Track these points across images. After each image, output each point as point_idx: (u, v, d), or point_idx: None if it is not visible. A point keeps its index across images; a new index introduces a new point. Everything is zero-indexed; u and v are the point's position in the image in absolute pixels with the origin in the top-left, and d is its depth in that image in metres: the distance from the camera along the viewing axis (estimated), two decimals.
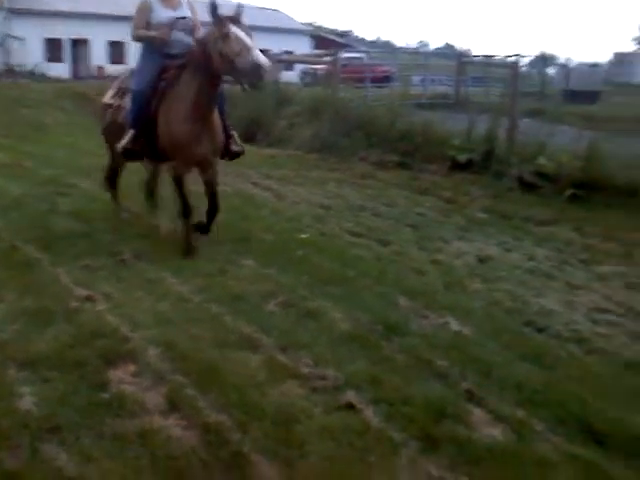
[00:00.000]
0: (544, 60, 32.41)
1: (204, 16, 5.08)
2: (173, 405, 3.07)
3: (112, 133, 5.76)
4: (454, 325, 4.16)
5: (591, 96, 23.19)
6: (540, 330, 4.24)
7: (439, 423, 3.01)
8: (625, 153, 8.28)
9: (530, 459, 2.80)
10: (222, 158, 5.52)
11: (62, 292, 4.36)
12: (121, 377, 3.30)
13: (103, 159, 6.40)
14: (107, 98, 5.92)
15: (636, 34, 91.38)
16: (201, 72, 4.87)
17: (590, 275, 5.40)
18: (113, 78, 6.62)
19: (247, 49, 4.51)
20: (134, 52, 5.66)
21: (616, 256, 5.93)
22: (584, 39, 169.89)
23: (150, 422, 2.93)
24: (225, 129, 5.40)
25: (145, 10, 5.34)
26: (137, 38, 5.42)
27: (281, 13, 38.83)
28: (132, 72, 5.69)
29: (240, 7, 4.75)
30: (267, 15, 35.29)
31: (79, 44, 30.78)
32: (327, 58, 16.53)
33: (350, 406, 3.11)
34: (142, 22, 5.33)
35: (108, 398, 3.11)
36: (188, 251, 5.22)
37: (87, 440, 2.79)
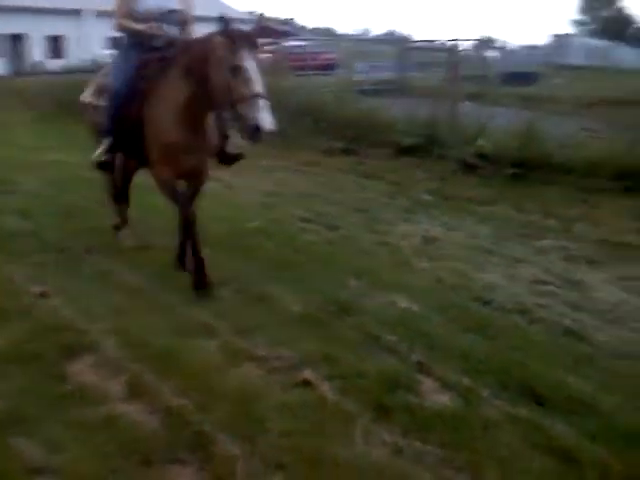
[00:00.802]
0: (483, 43, 32.98)
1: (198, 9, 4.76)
2: (134, 392, 3.16)
3: (95, 138, 5.13)
4: (402, 302, 4.33)
5: (530, 78, 23.76)
6: (484, 303, 4.44)
7: (391, 393, 3.17)
8: (562, 132, 8.60)
9: (477, 422, 2.97)
10: (219, 163, 4.88)
11: (16, 290, 4.39)
12: (81, 368, 3.38)
13: (45, 154, 6.30)
14: (86, 96, 5.27)
15: (573, 16, 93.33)
16: (195, 81, 4.18)
17: (530, 250, 5.64)
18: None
19: (255, 102, 3.82)
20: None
21: (554, 231, 6.19)
22: (523, 22, 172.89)
23: (113, 409, 3.02)
24: (220, 129, 4.69)
25: None
26: (121, 28, 4.77)
27: (220, 2, 38.50)
28: (111, 67, 5.03)
29: (262, 22, 4.45)
30: (205, 4, 34.90)
31: (17, 39, 30.07)
32: (270, 47, 16.62)
33: (307, 383, 3.25)
34: (126, 10, 4.72)
35: (70, 389, 3.18)
36: (200, 281, 4.35)
37: (53, 430, 2.86)
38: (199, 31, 4.70)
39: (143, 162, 4.70)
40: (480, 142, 8.62)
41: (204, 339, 3.71)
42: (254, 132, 3.83)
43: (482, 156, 8.45)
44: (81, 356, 3.48)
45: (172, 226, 4.74)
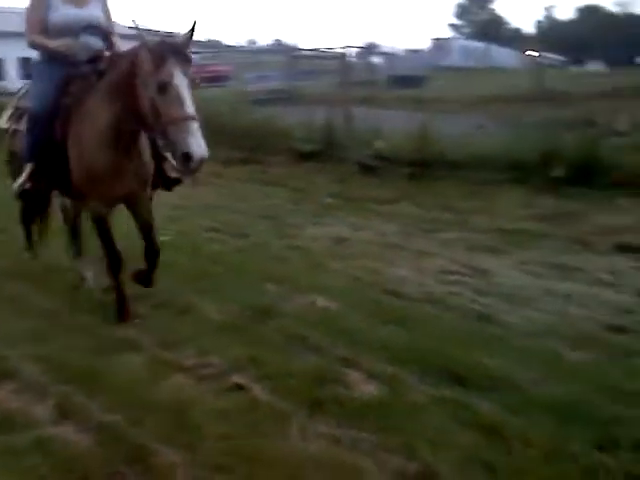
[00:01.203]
0: (369, 49, 33.84)
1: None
2: (63, 413, 3.10)
3: (12, 167, 4.64)
4: (320, 302, 4.45)
5: (416, 80, 24.63)
6: (398, 296, 4.62)
7: (321, 388, 3.26)
8: (452, 131, 9.01)
9: (405, 406, 3.12)
10: (157, 188, 4.40)
11: None
12: (4, 395, 3.28)
13: None
14: (2, 121, 4.73)
15: (451, 20, 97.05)
16: (122, 100, 3.73)
17: (435, 243, 5.91)
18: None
19: (185, 125, 3.39)
20: None
21: (454, 224, 6.50)
22: (404, 27, 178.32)
23: (43, 432, 2.95)
24: (155, 151, 4.18)
25: (41, 6, 4.15)
26: (33, 45, 4.23)
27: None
28: (30, 85, 4.53)
29: (192, 31, 3.58)
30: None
31: None
32: None
33: (239, 387, 3.30)
34: (38, 22, 4.15)
35: None
36: (121, 316, 4.16)
37: None
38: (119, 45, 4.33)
39: (68, 190, 4.26)
40: (377, 144, 8.90)
41: (129, 355, 3.68)
42: (184, 160, 3.40)
43: (380, 157, 8.73)
44: (3, 383, 3.38)
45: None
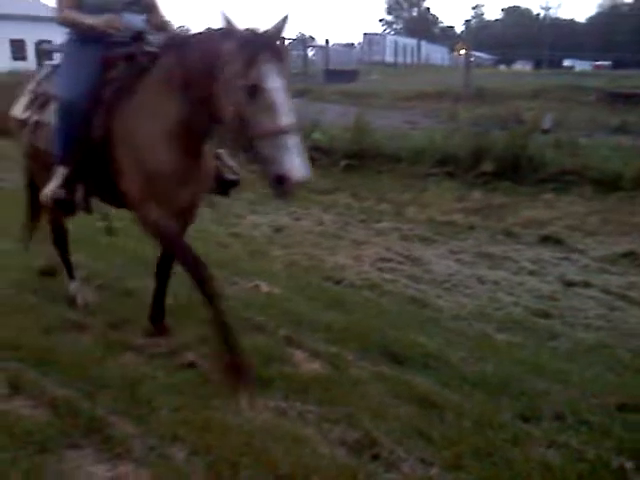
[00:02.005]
0: (304, 42, 33.97)
1: None
2: (16, 389, 3.17)
3: (35, 164, 3.97)
4: (263, 287, 4.61)
5: (349, 75, 24.92)
6: (337, 282, 4.84)
7: (267, 366, 3.43)
8: (387, 125, 9.31)
9: (347, 382, 3.31)
10: (213, 192, 3.78)
11: None
12: None
13: None
14: (18, 110, 3.93)
15: (383, 16, 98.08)
16: (193, 99, 3.09)
17: (371, 232, 6.16)
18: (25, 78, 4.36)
19: (281, 140, 2.74)
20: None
21: (389, 214, 6.77)
22: (337, 21, 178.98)
23: None
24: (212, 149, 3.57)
25: None
26: (64, 22, 3.58)
27: (36, 1, 36.47)
28: (54, 69, 3.85)
29: (284, 22, 2.93)
30: (20, 3, 33.00)
31: None
32: None
33: (191, 365, 3.43)
34: None
35: None
36: (241, 378, 3.20)
37: None
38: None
39: (112, 198, 3.58)
40: (315, 136, 9.09)
41: (79, 335, 3.76)
42: (279, 183, 2.77)
43: (318, 149, 8.92)
44: None
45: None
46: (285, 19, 2.94)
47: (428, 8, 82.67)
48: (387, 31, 75.32)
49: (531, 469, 2.67)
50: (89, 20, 3.49)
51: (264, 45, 2.84)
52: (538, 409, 3.14)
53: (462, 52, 15.94)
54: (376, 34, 53.05)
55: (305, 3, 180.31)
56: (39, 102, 3.81)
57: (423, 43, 57.02)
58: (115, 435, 2.82)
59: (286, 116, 2.78)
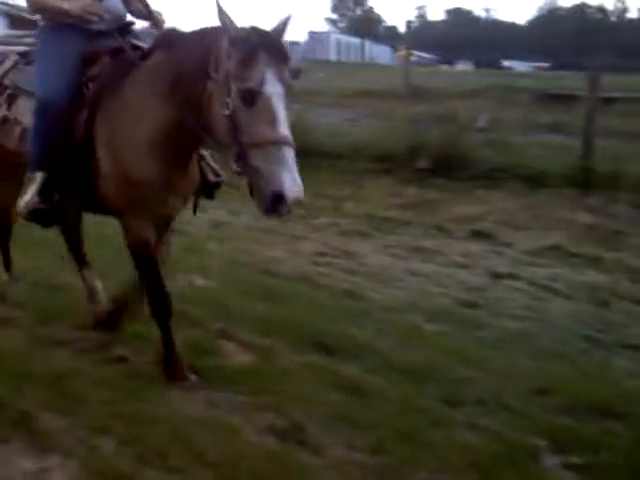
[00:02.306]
0: None
1: None
2: None
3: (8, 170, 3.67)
4: (200, 281, 4.64)
5: (293, 72, 24.94)
6: (273, 276, 4.90)
7: (200, 358, 3.47)
8: (329, 122, 9.42)
9: (277, 372, 3.38)
10: (198, 196, 3.50)
11: None
12: None
13: None
14: None
15: (328, 15, 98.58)
16: (182, 100, 2.85)
17: (309, 227, 6.25)
18: None
19: (277, 151, 2.51)
20: None
21: (328, 210, 6.87)
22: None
23: None
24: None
25: None
26: (36, 6, 3.31)
27: None
28: (22, 58, 3.49)
29: (287, 21, 2.76)
30: None
31: None
32: (29, 39, 15.77)
33: (119, 358, 3.44)
34: None
35: None
36: (173, 376, 3.23)
37: None
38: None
39: (91, 205, 3.31)
40: None
41: (4, 330, 3.71)
42: (273, 201, 2.51)
43: None
44: None
45: None
46: (288, 18, 2.73)
47: (372, 7, 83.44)
48: (332, 30, 75.68)
49: (451, 451, 2.79)
50: (65, 5, 3.18)
51: (264, 45, 2.57)
52: (461, 394, 3.27)
53: (403, 52, 16.17)
54: (320, 33, 53.31)
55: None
56: (6, 96, 3.44)
57: (367, 42, 57.57)
58: (43, 428, 2.82)
59: (284, 127, 2.53)
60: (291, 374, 3.37)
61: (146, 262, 3.17)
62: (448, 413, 3.11)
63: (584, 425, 3.05)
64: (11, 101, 3.43)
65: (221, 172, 3.56)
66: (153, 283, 3.20)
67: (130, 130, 2.97)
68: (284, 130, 2.53)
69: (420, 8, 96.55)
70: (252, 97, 2.54)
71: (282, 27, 2.73)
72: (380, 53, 57.26)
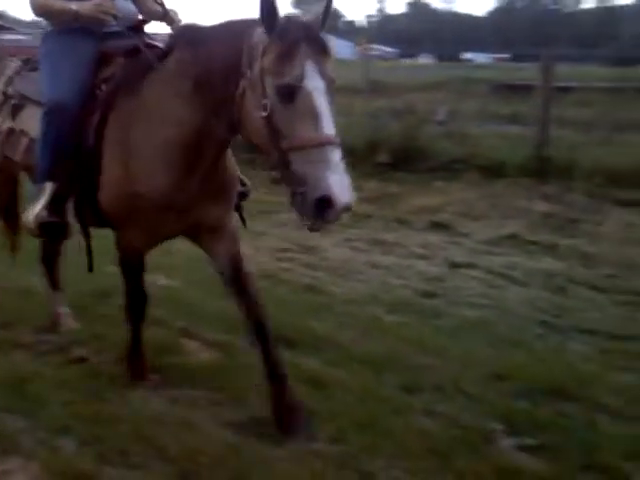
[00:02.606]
0: None
1: None
2: None
3: (5, 183, 3.59)
4: (163, 281, 4.64)
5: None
6: None
7: (162, 357, 3.48)
8: None
9: (237, 367, 3.42)
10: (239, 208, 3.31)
11: None
12: None
13: None
14: None
15: (289, 10, 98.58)
16: (209, 101, 2.57)
17: (269, 224, 6.28)
18: None
19: (323, 153, 2.24)
20: None
21: (286, 206, 6.87)
22: (244, 15, 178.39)
23: None
24: None
25: None
26: (42, 10, 3.10)
27: None
28: (25, 65, 3.36)
29: (328, 8, 2.45)
30: None
31: None
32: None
33: (80, 360, 3.45)
34: None
35: None
36: (136, 374, 3.22)
37: None
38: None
39: (96, 216, 2.98)
40: None
41: None
42: (319, 207, 2.25)
43: None
44: None
45: None
46: (329, 4, 2.43)
47: (332, 2, 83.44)
48: None
49: (410, 437, 2.85)
50: (73, 6, 2.94)
51: (304, 35, 2.31)
52: (420, 382, 3.34)
53: (364, 46, 16.24)
54: None
55: None
56: (11, 105, 3.27)
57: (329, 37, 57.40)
58: (4, 431, 2.83)
59: (328, 125, 2.27)
60: (251, 369, 3.39)
61: (133, 270, 3.06)
62: (407, 401, 3.17)
63: (539, 408, 3.14)
64: (16, 111, 3.24)
65: (247, 181, 3.36)
66: (135, 287, 3.10)
67: (146, 134, 2.70)
68: (328, 129, 2.26)
69: (380, 1, 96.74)
70: (291, 93, 2.26)
71: (323, 16, 2.42)
72: (341, 48, 57.30)
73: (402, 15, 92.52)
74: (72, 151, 2.90)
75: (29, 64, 3.34)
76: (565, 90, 10.21)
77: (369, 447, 2.77)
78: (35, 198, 2.99)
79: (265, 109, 2.30)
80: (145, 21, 3.20)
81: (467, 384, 3.32)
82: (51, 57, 3.08)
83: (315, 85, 2.28)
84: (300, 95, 2.26)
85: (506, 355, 3.70)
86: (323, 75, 2.32)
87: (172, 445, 2.70)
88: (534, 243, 5.67)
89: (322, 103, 2.28)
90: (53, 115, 2.90)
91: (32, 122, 3.08)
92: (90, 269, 3.27)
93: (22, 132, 3.19)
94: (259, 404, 3.03)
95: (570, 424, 3.01)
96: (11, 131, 3.23)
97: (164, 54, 2.79)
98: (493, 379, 3.41)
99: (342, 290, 4.63)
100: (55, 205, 2.96)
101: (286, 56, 2.27)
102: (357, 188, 6.76)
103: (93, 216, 2.98)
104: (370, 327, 4.00)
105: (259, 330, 2.99)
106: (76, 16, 2.99)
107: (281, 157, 2.31)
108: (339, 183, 2.23)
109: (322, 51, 2.34)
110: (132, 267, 3.05)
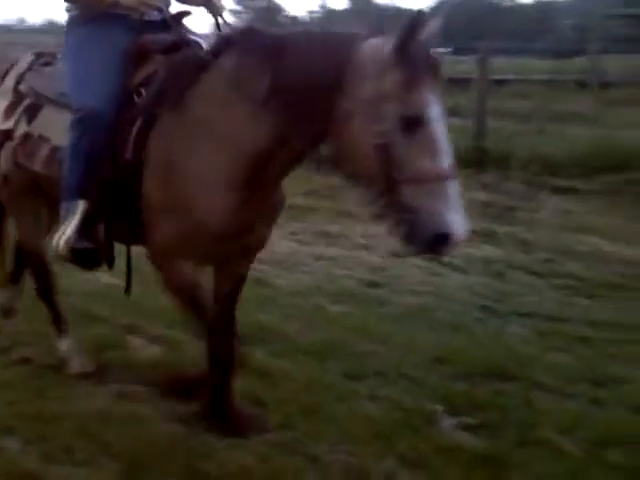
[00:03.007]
0: None
1: None
2: None
3: (13, 192, 3.09)
4: (105, 279, 4.60)
5: None
6: None
7: (106, 353, 3.51)
8: None
9: (182, 361, 3.45)
10: None
11: None
12: None
13: None
14: None
15: (231, 6, 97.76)
16: (293, 120, 2.27)
17: None
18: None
19: (441, 188, 2.09)
20: None
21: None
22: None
23: None
24: None
25: None
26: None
27: None
28: (39, 58, 3.05)
29: (434, 25, 2.19)
30: None
31: None
32: None
33: (24, 360, 3.44)
34: None
35: None
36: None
37: None
38: None
39: (132, 236, 2.74)
40: None
41: None
42: (435, 243, 2.13)
43: None
44: None
45: None
46: (420, 17, 2.08)
47: None
48: (236, 22, 75.10)
49: (354, 422, 2.93)
50: None
51: (429, 61, 2.12)
52: (364, 368, 3.42)
53: None
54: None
55: None
56: (26, 106, 2.90)
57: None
58: None
59: (448, 158, 2.12)
60: (197, 362, 3.43)
61: (192, 300, 2.66)
62: (351, 387, 3.25)
63: (479, 389, 3.26)
64: (32, 113, 2.86)
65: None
66: (202, 322, 2.71)
67: (200, 156, 2.37)
68: (448, 162, 2.11)
69: None
70: (416, 125, 2.08)
71: (429, 32, 2.16)
72: None
73: (345, 11, 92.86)
74: (107, 166, 2.56)
75: (42, 57, 3.04)
76: (502, 83, 10.45)
77: (314, 433, 2.83)
78: (64, 219, 2.65)
79: (380, 137, 2.10)
80: (187, 12, 2.81)
81: (409, 369, 3.41)
82: (80, 51, 2.69)
83: (437, 116, 2.12)
84: (424, 126, 2.09)
85: (447, 340, 3.81)
86: (440, 102, 2.15)
87: (118, 440, 2.71)
88: (474, 231, 5.78)
89: (442, 135, 2.12)
90: (86, 124, 2.54)
91: (54, 127, 2.75)
92: (127, 290, 3.04)
93: (41, 138, 2.81)
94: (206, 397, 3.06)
95: (508, 403, 3.13)
96: (27, 136, 2.85)
97: (214, 54, 2.46)
98: (434, 363, 3.52)
99: (287, 282, 4.68)
100: (87, 227, 2.63)
101: (415, 84, 2.07)
102: (304, 181, 6.82)
103: (129, 235, 2.73)
104: (315, 317, 4.06)
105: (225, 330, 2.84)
106: (114, 5, 2.63)
107: (390, 187, 2.12)
108: (458, 220, 2.09)
109: (438, 76, 2.17)
110: (190, 296, 2.65)
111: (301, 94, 2.22)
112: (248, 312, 4.03)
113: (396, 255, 2.17)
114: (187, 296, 2.65)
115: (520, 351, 3.72)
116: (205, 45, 2.64)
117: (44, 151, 2.79)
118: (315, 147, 2.37)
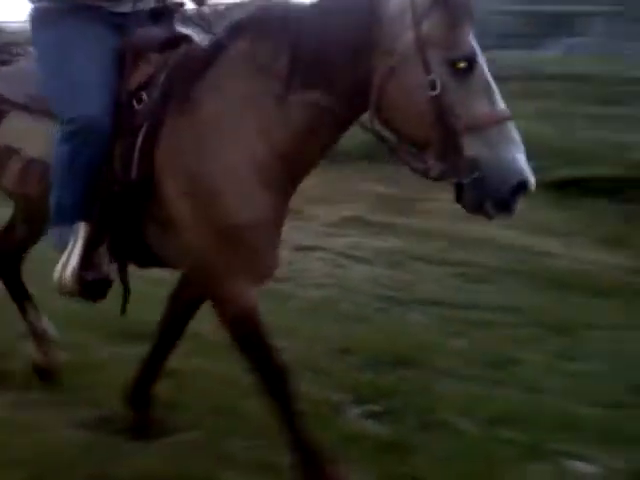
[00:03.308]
0: None
1: None
2: None
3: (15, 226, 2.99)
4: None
5: None
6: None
7: (4, 362, 3.40)
8: None
9: (88, 366, 3.40)
10: None
11: None
12: None
13: None
14: None
15: None
16: (331, 91, 2.05)
17: None
18: None
19: (505, 131, 1.91)
20: None
21: None
22: None
23: None
24: None
25: None
26: None
27: None
28: (13, 56, 2.69)
29: None
30: None
31: None
32: None
33: None
34: None
35: None
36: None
37: None
38: None
39: (137, 254, 2.48)
40: None
41: None
42: (515, 194, 1.91)
43: None
44: None
45: None
46: None
47: None
48: None
49: (261, 417, 2.96)
50: None
51: (466, 9, 1.96)
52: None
53: None
54: None
55: None
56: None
57: None
58: None
59: (502, 100, 1.96)
60: (102, 367, 3.39)
61: (254, 333, 2.33)
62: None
63: (383, 377, 3.38)
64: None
65: None
66: (269, 360, 2.40)
67: (226, 157, 2.12)
68: (503, 104, 1.96)
69: None
70: (468, 67, 1.92)
71: None
72: None
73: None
74: (108, 182, 2.26)
75: None
76: None
77: (225, 430, 2.85)
78: (62, 247, 2.34)
79: (434, 87, 1.91)
80: (181, 2, 2.51)
81: (315, 360, 3.49)
82: (63, 51, 2.30)
83: (483, 58, 1.98)
84: (474, 68, 1.93)
85: (351, 330, 3.91)
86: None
87: (19, 449, 2.64)
88: (374, 224, 5.97)
89: (491, 77, 1.98)
90: (83, 136, 2.20)
91: (26, 137, 2.44)
92: (123, 312, 2.74)
93: (10, 149, 2.48)
94: (113, 402, 3.02)
95: (410, 389, 3.26)
96: (9, 150, 2.50)
97: (219, 45, 2.21)
98: (340, 354, 3.61)
99: None
100: (89, 254, 2.33)
101: (458, 25, 1.92)
102: None
103: (138, 256, 2.50)
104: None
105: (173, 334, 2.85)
106: None
107: (452, 141, 1.92)
108: (527, 164, 1.91)
109: (473, 20, 2.00)
110: (251, 327, 2.32)
111: (331, 63, 2.02)
112: (154, 313, 4.00)
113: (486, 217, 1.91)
114: (248, 319, 2.30)
115: (421, 338, 3.88)
116: (200, 37, 2.38)
117: (15, 165, 2.48)
118: (357, 115, 2.11)
